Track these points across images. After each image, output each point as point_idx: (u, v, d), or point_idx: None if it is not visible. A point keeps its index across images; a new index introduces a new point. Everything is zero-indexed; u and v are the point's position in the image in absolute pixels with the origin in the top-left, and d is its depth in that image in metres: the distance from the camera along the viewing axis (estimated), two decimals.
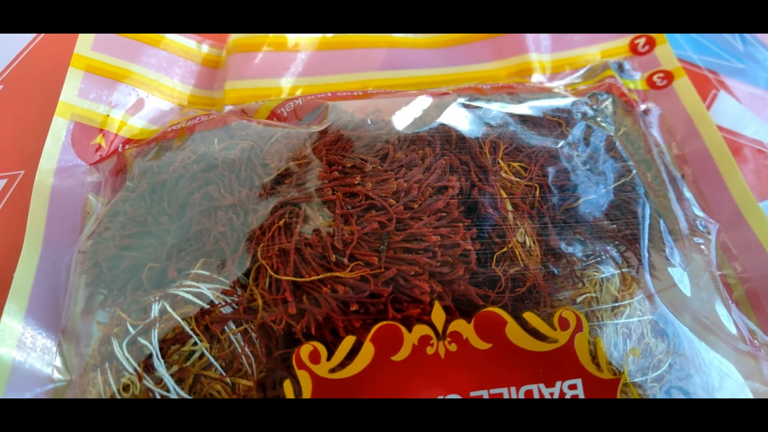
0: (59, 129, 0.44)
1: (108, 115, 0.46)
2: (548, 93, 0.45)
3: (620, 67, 0.51)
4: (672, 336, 0.37)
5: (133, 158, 0.43)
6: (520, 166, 0.39)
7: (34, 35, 0.57)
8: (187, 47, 0.50)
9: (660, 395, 0.36)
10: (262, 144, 0.40)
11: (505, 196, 0.38)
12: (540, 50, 0.52)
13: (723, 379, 0.37)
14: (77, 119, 0.45)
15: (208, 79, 0.50)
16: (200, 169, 0.39)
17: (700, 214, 0.43)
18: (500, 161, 0.39)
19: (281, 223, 0.35)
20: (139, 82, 0.48)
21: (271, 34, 0.49)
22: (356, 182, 0.36)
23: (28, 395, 0.34)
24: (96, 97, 0.46)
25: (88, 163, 0.44)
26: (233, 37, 0.49)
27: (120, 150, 0.45)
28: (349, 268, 0.34)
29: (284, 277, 0.34)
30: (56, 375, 0.36)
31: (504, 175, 0.38)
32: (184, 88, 0.49)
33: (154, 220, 0.38)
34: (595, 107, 0.44)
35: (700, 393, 0.36)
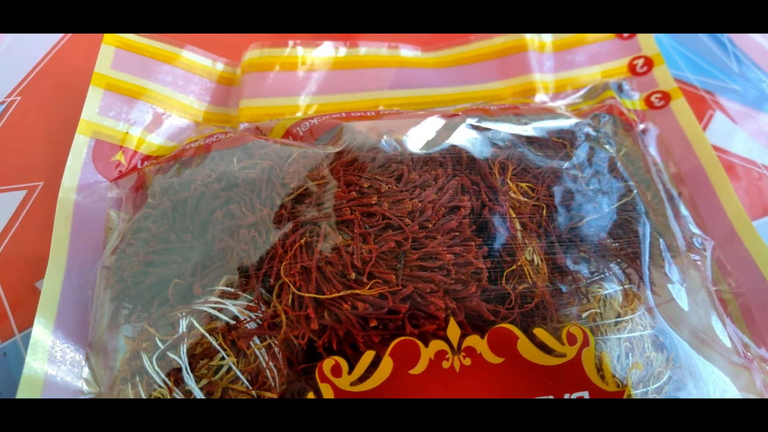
0: (81, 146, 0.46)
1: (127, 133, 0.47)
2: (552, 114, 0.47)
3: (620, 88, 0.53)
4: (671, 349, 0.39)
5: (153, 175, 0.44)
6: (527, 186, 0.41)
7: (49, 48, 0.58)
8: (202, 65, 0.52)
9: None
10: (280, 163, 0.41)
11: (514, 215, 0.39)
12: (543, 70, 0.54)
13: (718, 390, 0.39)
14: (98, 137, 0.46)
15: (223, 97, 0.52)
16: (221, 187, 0.40)
17: (696, 231, 0.46)
18: (509, 182, 0.41)
19: (302, 241, 0.37)
20: (157, 100, 0.49)
21: (285, 54, 0.51)
22: (373, 202, 0.38)
23: None
24: (116, 114, 0.47)
25: (108, 180, 0.46)
26: (247, 57, 0.51)
27: (139, 166, 0.46)
28: (368, 286, 0.35)
29: (306, 294, 0.35)
30: (85, 387, 0.37)
31: (513, 195, 0.40)
32: (200, 105, 0.51)
33: (177, 237, 0.40)
34: (597, 128, 0.46)
35: None
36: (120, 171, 0.46)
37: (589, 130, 0.46)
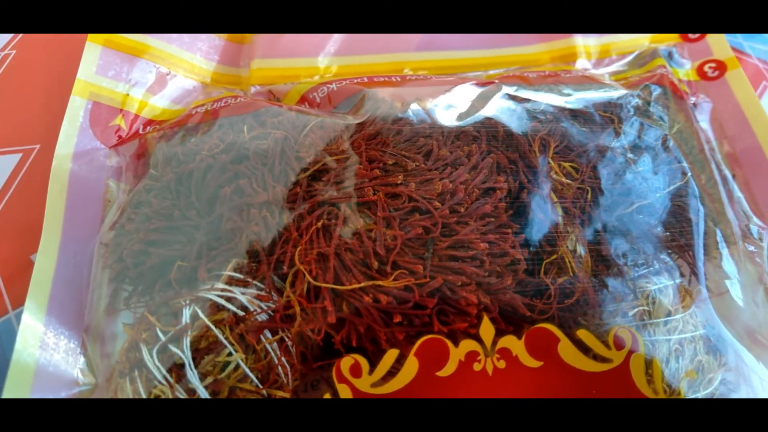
0: (77, 109, 0.41)
1: (128, 94, 0.43)
2: (598, 84, 0.42)
3: (669, 55, 0.48)
4: (723, 351, 0.35)
5: (156, 142, 0.40)
6: (571, 166, 0.37)
7: None
8: None
9: None
10: (295, 134, 0.37)
11: (555, 199, 0.35)
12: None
13: None
14: (96, 99, 0.42)
15: (233, 56, 0.47)
16: (230, 159, 0.36)
17: (752, 218, 0.41)
18: (550, 161, 0.37)
19: (319, 224, 0.33)
20: (160, 58, 0.45)
21: None
22: (399, 182, 0.34)
23: None
24: (115, 74, 0.43)
25: (107, 146, 0.42)
26: None
27: (141, 132, 0.42)
28: (393, 277, 0.32)
29: (323, 284, 0.32)
30: (81, 377, 0.34)
31: (554, 176, 0.36)
32: (208, 65, 0.46)
33: (181, 214, 0.36)
34: (648, 101, 0.41)
35: None
36: (120, 137, 0.42)
37: (639, 102, 0.41)
